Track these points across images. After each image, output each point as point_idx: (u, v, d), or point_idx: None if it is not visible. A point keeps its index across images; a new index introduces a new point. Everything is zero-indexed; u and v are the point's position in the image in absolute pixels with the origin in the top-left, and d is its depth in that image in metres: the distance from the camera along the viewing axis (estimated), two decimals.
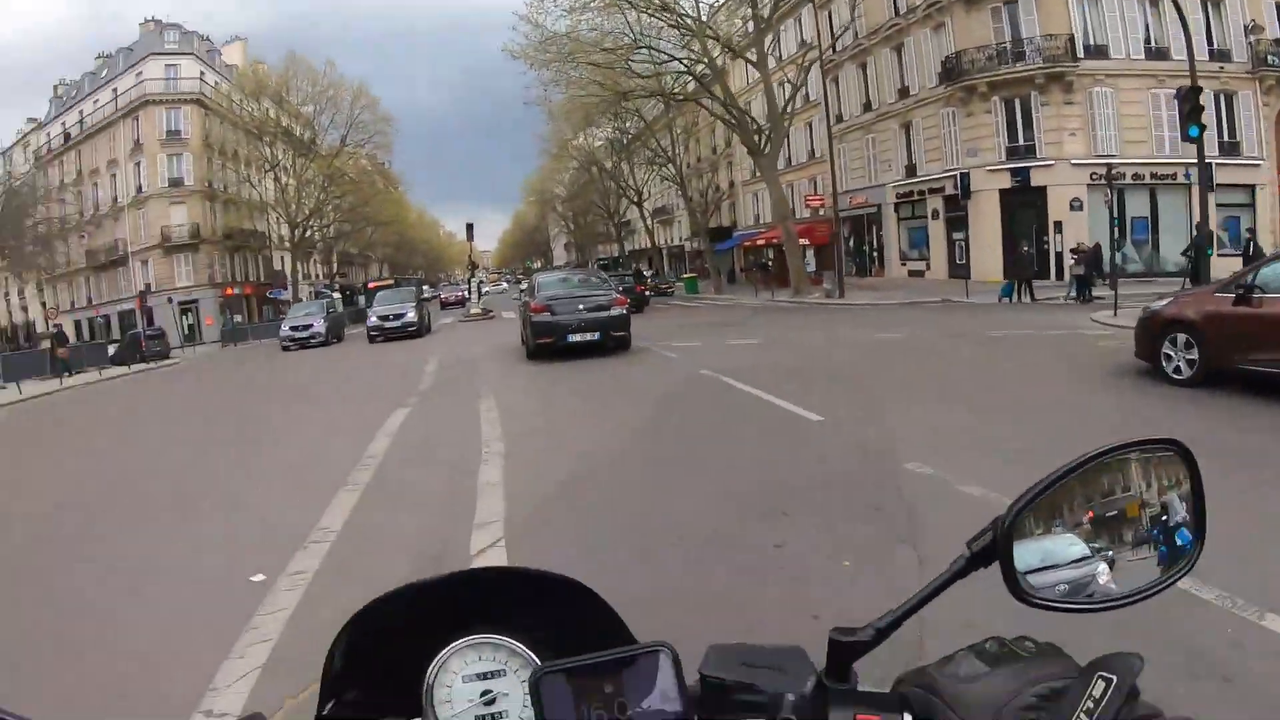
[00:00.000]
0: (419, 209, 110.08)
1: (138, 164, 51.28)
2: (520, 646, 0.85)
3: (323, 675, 0.85)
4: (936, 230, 32.66)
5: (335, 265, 70.21)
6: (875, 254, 37.22)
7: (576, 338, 15.10)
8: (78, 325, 57.92)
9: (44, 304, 32.56)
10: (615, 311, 15.63)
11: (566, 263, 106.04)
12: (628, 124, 47.13)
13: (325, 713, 0.86)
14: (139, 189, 51.15)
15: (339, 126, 53.19)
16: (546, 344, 15.19)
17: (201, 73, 52.57)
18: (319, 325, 29.23)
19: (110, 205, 54.19)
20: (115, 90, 53.80)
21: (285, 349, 28.69)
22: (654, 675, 0.75)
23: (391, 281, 51.76)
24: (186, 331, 48.31)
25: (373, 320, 27.12)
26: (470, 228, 33.35)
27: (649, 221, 58.57)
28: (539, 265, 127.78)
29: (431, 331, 27.77)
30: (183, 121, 50.79)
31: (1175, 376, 8.82)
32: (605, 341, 15.28)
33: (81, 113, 58.05)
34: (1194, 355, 8.64)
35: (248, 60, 56.60)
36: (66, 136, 60.27)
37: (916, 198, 33.59)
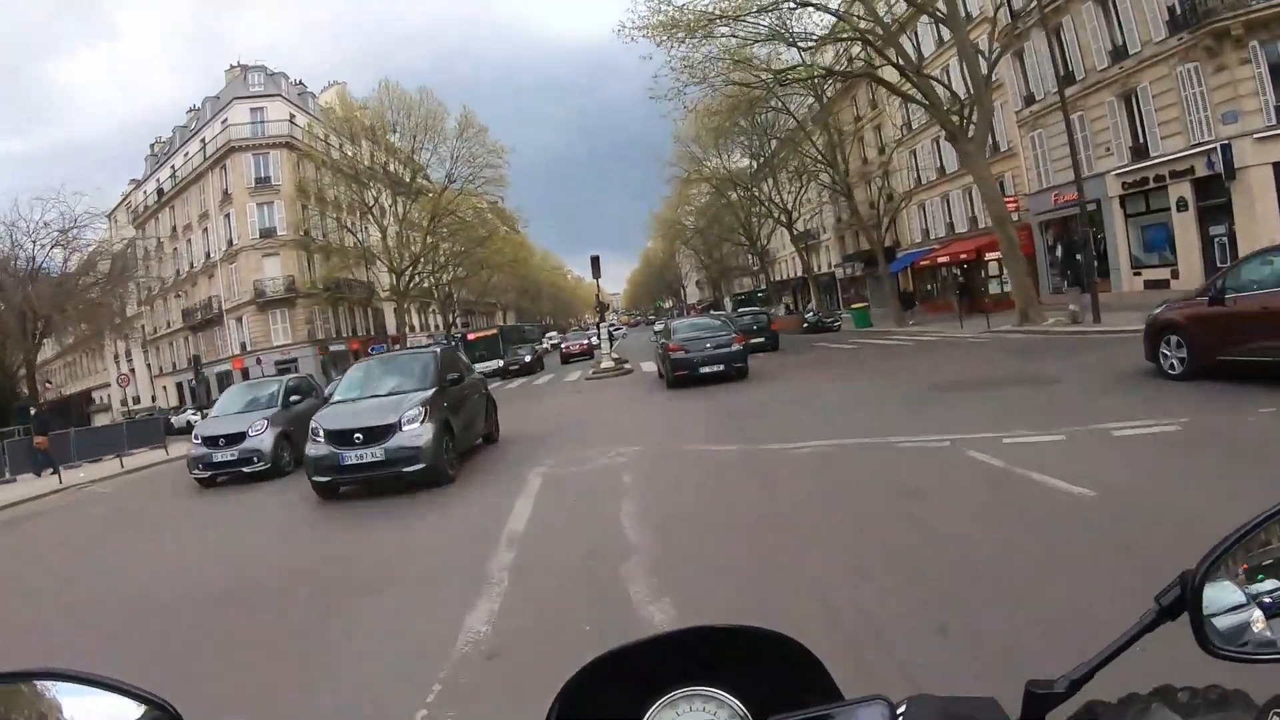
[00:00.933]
0: (543, 252, 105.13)
1: (227, 215, 48.11)
2: (729, 698, 0.87)
3: None
4: (1185, 225, 25.33)
5: (454, 314, 65.31)
6: (1095, 262, 30.06)
7: (706, 369, 18.23)
8: (179, 388, 55.41)
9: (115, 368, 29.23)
10: (735, 348, 18.84)
11: (699, 300, 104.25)
12: (773, 127, 41.54)
13: None
14: (229, 242, 47.93)
15: (443, 160, 47.70)
16: (683, 375, 18.29)
17: (291, 115, 49.10)
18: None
19: (203, 261, 51.43)
20: (203, 140, 51.12)
21: None
22: None
23: (493, 332, 46.06)
24: None
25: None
26: (596, 261, 27.80)
27: (796, 244, 52.02)
28: (670, 305, 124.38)
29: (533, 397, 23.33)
30: (272, 167, 47.36)
31: (1170, 372, 10.13)
32: (729, 372, 18.44)
33: (173, 167, 55.85)
34: (1183, 353, 9.98)
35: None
36: (160, 193, 58.28)
37: (1151, 186, 26.27)
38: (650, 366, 25.05)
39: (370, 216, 46.32)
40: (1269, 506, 0.79)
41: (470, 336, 44.47)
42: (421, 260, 48.27)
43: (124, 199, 65.86)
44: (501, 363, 36.02)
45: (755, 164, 49.77)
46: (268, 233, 46.72)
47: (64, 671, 0.86)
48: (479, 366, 33.80)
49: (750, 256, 74.97)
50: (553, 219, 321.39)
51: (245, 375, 46.34)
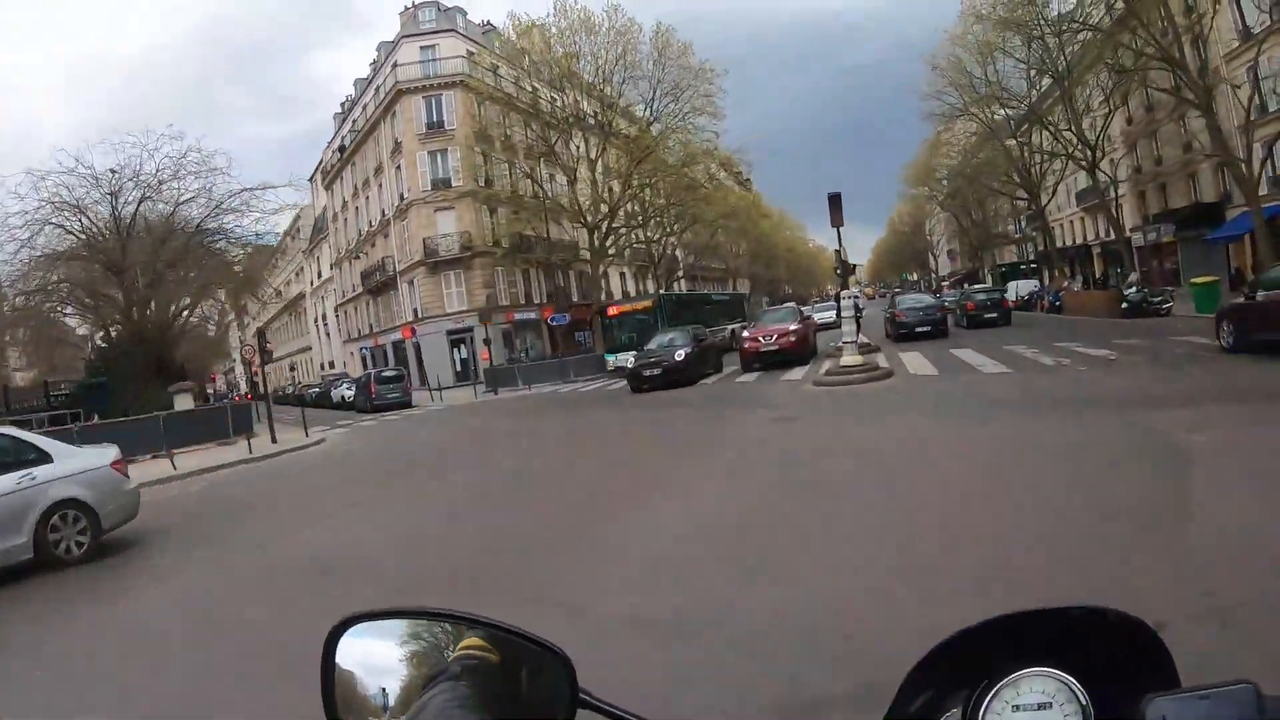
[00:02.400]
0: (779, 213, 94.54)
1: (398, 167, 43.27)
2: (1069, 679, 0.85)
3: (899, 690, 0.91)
4: None
5: (674, 278, 58.38)
6: None
7: (920, 329, 25.58)
8: (363, 358, 52.36)
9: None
10: (936, 315, 26.81)
11: (951, 272, 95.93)
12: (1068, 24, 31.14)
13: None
14: (401, 196, 43.18)
15: (642, 94, 39.28)
16: (904, 332, 25.76)
17: (469, 52, 43.09)
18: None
19: (379, 218, 47.36)
20: (376, 88, 46.76)
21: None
22: (1237, 709, 0.76)
23: (647, 304, 33.11)
24: (459, 368, 39.38)
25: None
26: (836, 201, 19.17)
27: (1105, 190, 37.64)
28: (915, 278, 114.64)
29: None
30: (445, 110, 41.72)
31: (1224, 346, 13.67)
32: (934, 332, 25.45)
33: (353, 122, 52.33)
34: (1233, 334, 13.44)
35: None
36: (341, 150, 55.15)
37: None
38: (923, 366, 17.01)
39: (557, 162, 39.76)
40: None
41: (612, 312, 33.49)
42: (621, 212, 41.26)
43: (319, 165, 64.05)
44: (632, 361, 23.61)
45: (1036, 89, 38.91)
46: (441, 183, 41.09)
47: (465, 615, 0.95)
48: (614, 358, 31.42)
49: (1016, 220, 64.12)
50: (797, 191, 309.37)
51: (415, 344, 41.97)
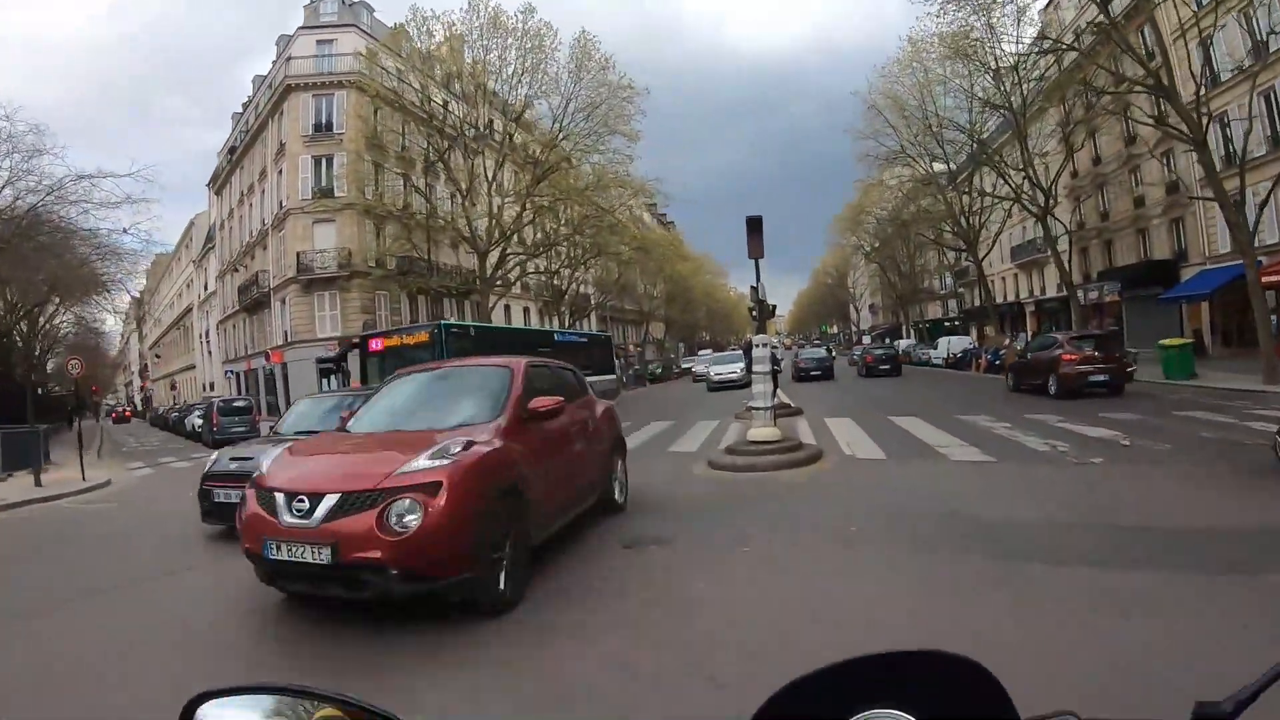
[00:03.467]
0: (702, 256, 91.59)
1: (280, 172, 38.55)
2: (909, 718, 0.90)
3: None
4: None
5: (583, 320, 54.47)
6: None
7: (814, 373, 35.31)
8: (231, 381, 46.96)
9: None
10: (828, 363, 37.07)
11: (872, 327, 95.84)
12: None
13: None
14: (280, 204, 38.35)
15: (552, 106, 35.37)
16: (802, 375, 35.20)
17: (370, 50, 38.70)
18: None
19: (258, 229, 42.36)
20: (270, 85, 42.01)
21: None
22: None
23: (422, 337, 20.97)
24: None
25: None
26: (756, 225, 15.36)
27: (1055, 240, 33.22)
28: (835, 330, 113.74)
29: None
30: (335, 112, 37.24)
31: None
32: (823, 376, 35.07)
33: (247, 122, 47.33)
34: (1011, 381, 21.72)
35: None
36: (231, 152, 50.06)
37: None
38: (861, 441, 13.29)
39: (450, 178, 35.48)
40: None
41: (375, 346, 21.56)
42: (516, 238, 37.09)
43: (214, 172, 58.58)
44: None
45: (978, 130, 36.27)
46: (323, 193, 36.47)
47: (320, 691, 0.97)
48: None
49: (941, 276, 64.22)
50: (720, 236, 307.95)
51: (284, 371, 36.99)
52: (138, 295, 45.99)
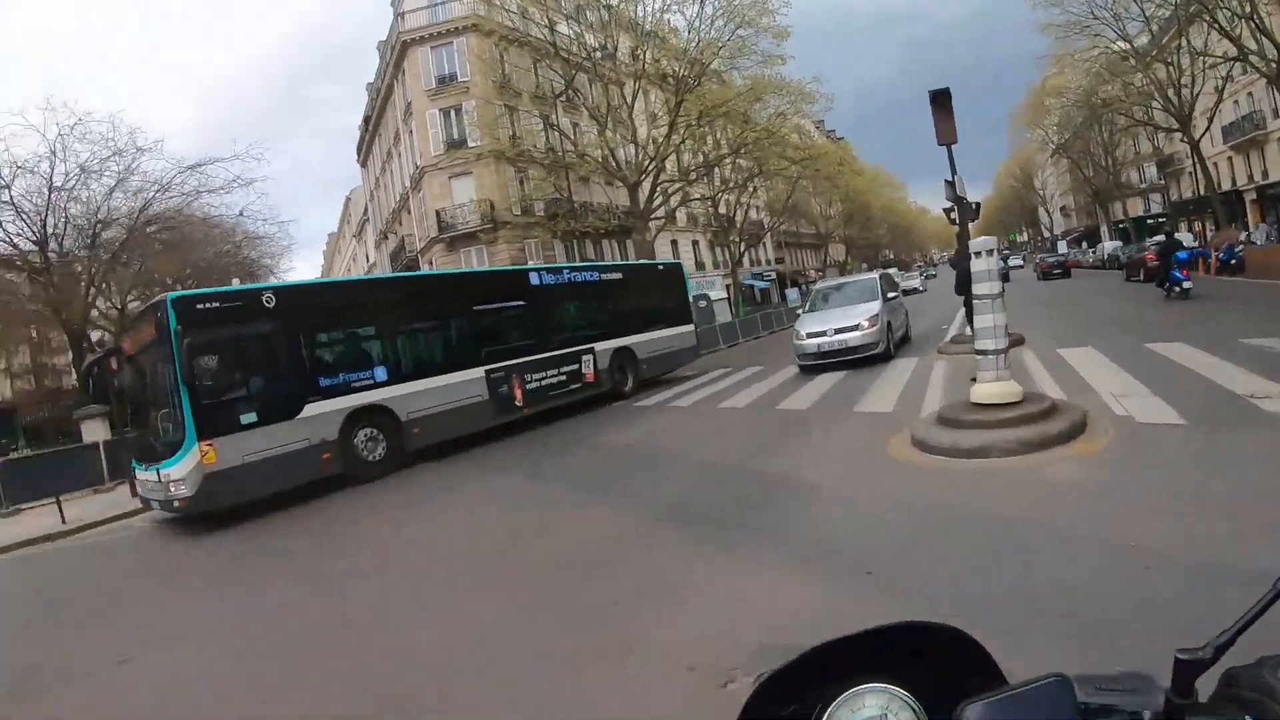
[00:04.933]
0: (874, 169, 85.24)
1: (411, 132, 37.70)
2: (900, 691, 0.91)
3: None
4: None
5: (739, 243, 49.93)
6: None
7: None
8: None
9: None
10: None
11: (1065, 231, 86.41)
12: None
13: None
14: (415, 165, 37.53)
15: (688, 16, 32.02)
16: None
17: None
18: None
19: (400, 193, 42.04)
20: (390, 47, 41.15)
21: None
22: (1049, 703, 0.83)
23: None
24: None
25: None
26: (943, 100, 12.41)
27: None
28: (1024, 239, 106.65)
29: None
30: (456, 61, 35.81)
31: None
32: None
33: (376, 90, 46.99)
34: None
35: None
36: (366, 122, 50.11)
37: None
38: (1132, 392, 8.66)
39: (585, 109, 33.35)
40: None
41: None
42: (669, 165, 34.50)
43: (358, 142, 59.37)
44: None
45: None
46: (455, 145, 35.31)
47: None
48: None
49: (1140, 170, 58.38)
50: (887, 155, 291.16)
51: None
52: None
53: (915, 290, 50.53)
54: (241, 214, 29.52)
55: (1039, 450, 6.91)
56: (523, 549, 6.99)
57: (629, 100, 32.61)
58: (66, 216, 24.75)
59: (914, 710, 0.88)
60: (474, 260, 33.99)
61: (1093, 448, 6.87)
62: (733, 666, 3.72)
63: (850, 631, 0.92)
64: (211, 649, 5.65)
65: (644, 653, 4.18)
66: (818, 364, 15.89)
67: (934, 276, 76.99)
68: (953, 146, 14.26)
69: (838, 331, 15.85)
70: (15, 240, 24.25)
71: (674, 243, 46.09)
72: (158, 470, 11.08)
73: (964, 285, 11.37)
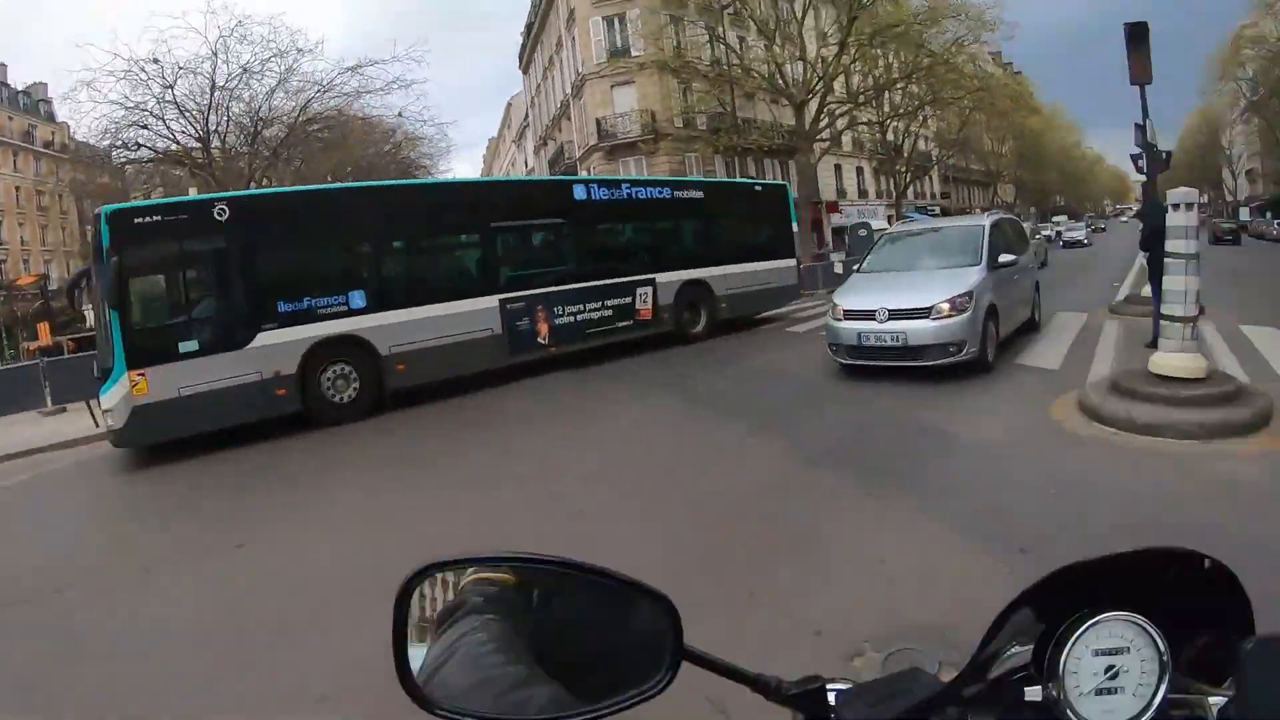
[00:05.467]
0: (1052, 108, 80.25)
1: (574, 39, 38.05)
2: (1147, 624, 0.86)
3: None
4: None
5: (906, 176, 48.31)
6: None
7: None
8: None
9: None
10: None
11: (1249, 197, 76.63)
12: None
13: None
14: (576, 72, 37.98)
15: None
16: None
17: None
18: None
19: (561, 100, 42.72)
20: None
21: None
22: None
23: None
24: None
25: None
26: (1140, 34, 11.86)
27: None
28: (1204, 200, 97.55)
29: None
30: None
31: None
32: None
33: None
34: None
35: None
36: (528, 29, 50.71)
37: None
38: None
39: (752, 19, 32.64)
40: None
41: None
42: (838, 86, 33.50)
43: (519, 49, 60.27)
44: None
45: None
46: (619, 54, 35.46)
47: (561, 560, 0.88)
48: None
49: None
50: (1069, 96, 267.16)
51: None
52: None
53: (1079, 243, 47.34)
54: (400, 114, 30.56)
55: (1220, 438, 6.35)
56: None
57: (799, 15, 31.67)
58: (229, 115, 26.24)
59: (1159, 645, 0.85)
60: (632, 170, 34.41)
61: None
62: (863, 639, 3.53)
63: (1092, 557, 0.89)
64: None
65: (771, 609, 4.02)
66: (859, 364, 9.99)
67: (1103, 230, 71.50)
68: (1146, 87, 13.54)
69: (893, 316, 9.56)
70: (179, 137, 25.94)
71: (838, 167, 45.27)
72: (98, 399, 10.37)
73: (1151, 241, 9.94)
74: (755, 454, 7.17)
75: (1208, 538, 4.15)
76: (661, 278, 14.99)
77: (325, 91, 26.80)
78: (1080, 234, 51.70)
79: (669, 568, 4.33)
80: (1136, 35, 13.08)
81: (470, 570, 0.90)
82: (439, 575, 0.89)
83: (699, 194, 16.51)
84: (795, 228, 18.73)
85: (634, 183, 16.08)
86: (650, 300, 14.82)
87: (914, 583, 4.20)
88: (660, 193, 15.79)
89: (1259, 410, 6.66)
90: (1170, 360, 7.14)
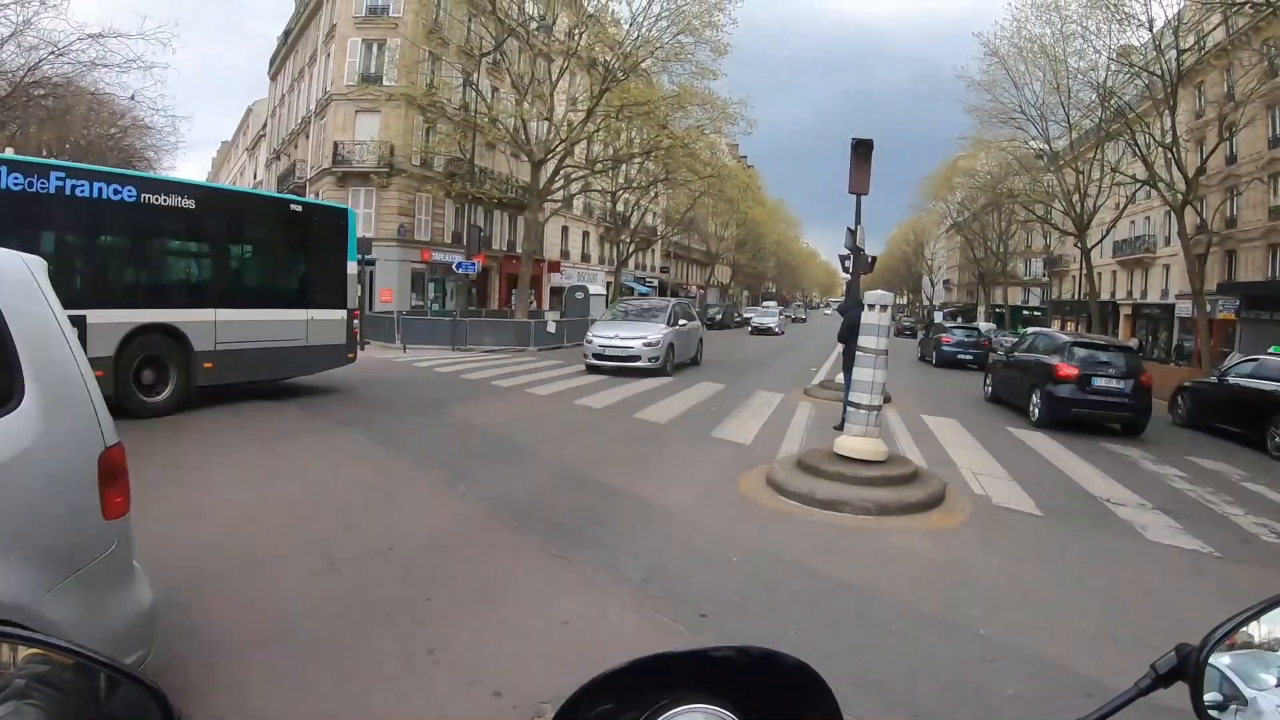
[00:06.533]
0: (775, 202, 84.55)
1: (329, 55, 35.98)
2: (726, 714, 0.87)
3: None
4: None
5: (627, 244, 48.39)
6: None
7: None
8: None
9: None
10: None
11: (944, 304, 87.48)
12: None
13: None
14: (324, 90, 35.86)
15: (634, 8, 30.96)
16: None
17: None
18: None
19: (301, 117, 40.09)
20: None
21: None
22: None
23: None
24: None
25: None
26: (864, 151, 12.76)
27: (1192, 237, 28.62)
28: (904, 303, 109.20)
29: None
30: None
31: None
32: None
33: (305, 3, 44.70)
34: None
35: None
36: (286, 35, 47.66)
37: None
38: (988, 472, 9.05)
39: (508, 74, 32.29)
40: (1268, 597, 0.91)
41: None
42: (578, 150, 33.77)
43: (273, 54, 56.40)
44: None
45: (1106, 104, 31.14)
46: (372, 79, 33.80)
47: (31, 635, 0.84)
48: None
49: (1027, 262, 62.62)
50: (791, 191, 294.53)
51: None
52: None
53: (770, 331, 47.26)
54: (133, 98, 27.22)
55: (897, 514, 6.94)
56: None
57: (554, 77, 31.94)
58: None
59: None
60: (360, 201, 32.61)
61: (953, 520, 7.02)
62: (543, 700, 3.42)
63: (678, 649, 0.88)
64: None
65: (451, 667, 3.83)
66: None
67: (803, 321, 77.43)
68: (862, 197, 14.68)
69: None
70: None
71: (565, 229, 47.17)
72: None
73: (848, 334, 11.02)
74: None
75: (880, 611, 3.51)
76: (96, 317, 9.93)
77: (59, 55, 22.93)
78: (772, 321, 49.81)
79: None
80: (861, 150, 14.13)
81: (29, 647, 0.80)
82: None
83: (189, 202, 11.36)
84: (353, 267, 13.91)
85: (74, 173, 10.20)
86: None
87: (597, 643, 4.16)
88: (120, 193, 10.48)
89: (932, 491, 7.41)
90: (853, 443, 7.77)
